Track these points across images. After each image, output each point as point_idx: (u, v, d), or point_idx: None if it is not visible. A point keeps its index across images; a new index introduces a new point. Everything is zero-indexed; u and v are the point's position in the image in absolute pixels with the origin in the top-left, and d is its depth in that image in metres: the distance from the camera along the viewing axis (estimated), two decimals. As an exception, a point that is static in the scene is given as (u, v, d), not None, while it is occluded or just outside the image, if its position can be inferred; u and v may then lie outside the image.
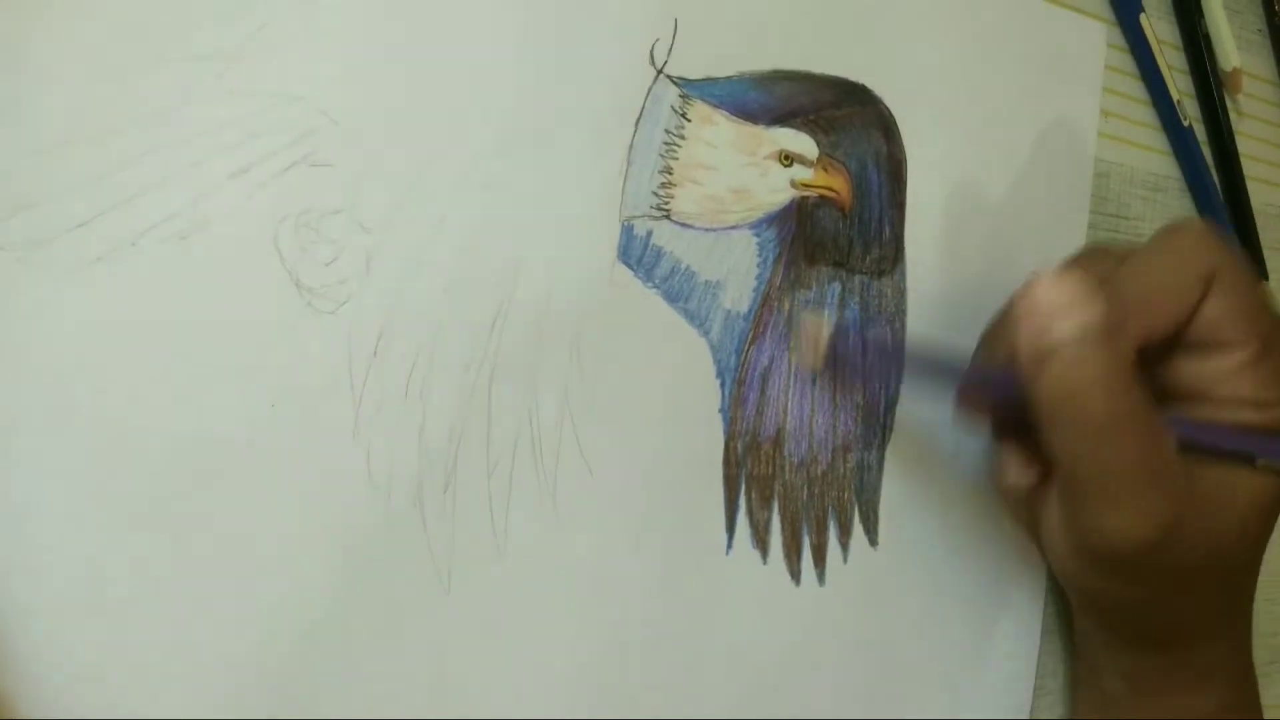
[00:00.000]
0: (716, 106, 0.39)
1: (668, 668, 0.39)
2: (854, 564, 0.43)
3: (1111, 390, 0.35)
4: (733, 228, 0.40)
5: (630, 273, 0.38)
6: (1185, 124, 0.52)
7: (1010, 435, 0.42)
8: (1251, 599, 0.43)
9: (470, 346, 0.36)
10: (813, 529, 0.42)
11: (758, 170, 0.40)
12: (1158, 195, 0.53)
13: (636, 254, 0.38)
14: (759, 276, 0.40)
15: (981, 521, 0.46)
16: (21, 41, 0.30)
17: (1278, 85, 0.58)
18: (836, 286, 0.42)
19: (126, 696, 0.32)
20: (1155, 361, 0.39)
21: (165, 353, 0.32)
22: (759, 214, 0.40)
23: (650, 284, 0.38)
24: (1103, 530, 0.37)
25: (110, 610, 0.31)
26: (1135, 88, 0.52)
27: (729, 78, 0.40)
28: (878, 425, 0.43)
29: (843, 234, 0.42)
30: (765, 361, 0.40)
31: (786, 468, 0.41)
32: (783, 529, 0.41)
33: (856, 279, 0.42)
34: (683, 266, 0.39)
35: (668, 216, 0.39)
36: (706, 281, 0.39)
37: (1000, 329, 0.41)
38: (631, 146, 0.38)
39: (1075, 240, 0.49)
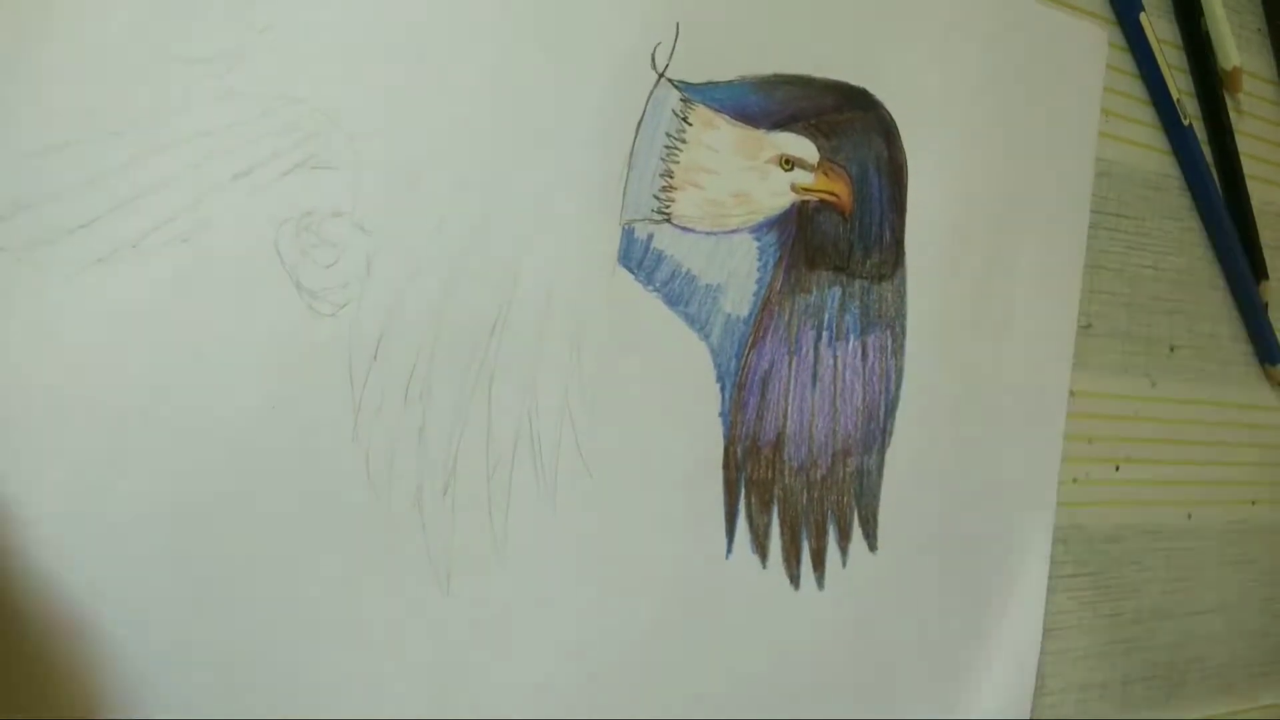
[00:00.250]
0: (718, 110, 0.39)
1: (667, 671, 0.39)
2: (853, 568, 0.43)
3: None
4: (733, 231, 0.40)
5: (631, 276, 0.38)
6: (1185, 123, 0.52)
7: None
8: None
9: (470, 349, 0.36)
10: (812, 533, 0.42)
11: (758, 174, 0.40)
12: (1158, 194, 0.53)
13: (637, 257, 0.38)
14: (759, 280, 0.40)
15: (981, 525, 0.46)
16: (23, 42, 0.30)
17: (1278, 84, 0.58)
18: (837, 291, 0.42)
19: (126, 696, 0.32)
20: None
21: (166, 354, 0.32)
22: (760, 218, 0.40)
23: (651, 287, 0.38)
24: None
25: (110, 610, 0.31)
26: (1135, 87, 0.52)
27: (730, 82, 0.39)
28: (877, 430, 0.43)
29: (843, 238, 0.42)
30: (765, 365, 0.41)
31: (786, 472, 0.41)
32: (782, 533, 0.41)
33: (857, 283, 0.42)
34: (683, 270, 0.39)
35: (668, 220, 0.39)
36: (707, 285, 0.39)
37: None
38: (632, 150, 0.38)
39: (1076, 240, 0.49)
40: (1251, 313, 0.57)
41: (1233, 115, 0.55)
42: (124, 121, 0.31)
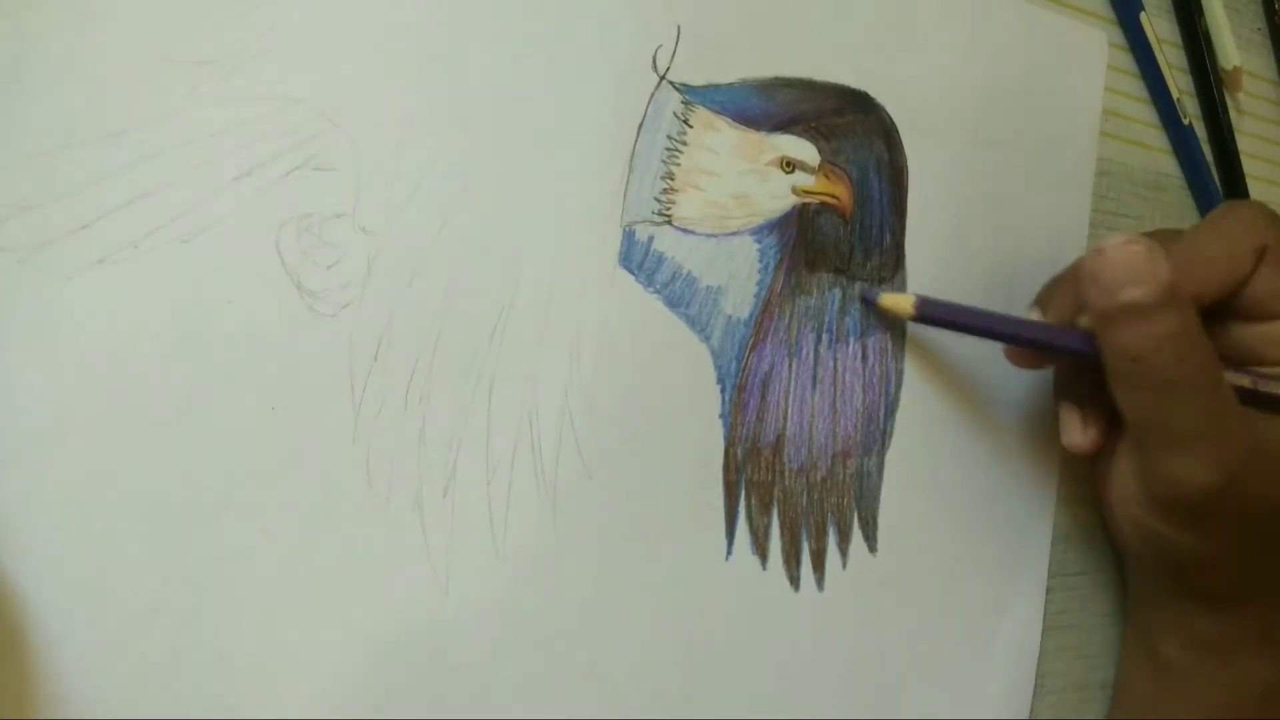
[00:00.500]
0: (719, 113, 0.39)
1: (667, 672, 0.39)
2: (853, 570, 0.43)
3: (1180, 348, 0.37)
4: (734, 234, 0.40)
5: (631, 278, 0.38)
6: (1185, 122, 0.52)
7: (1070, 396, 0.45)
8: None
9: (471, 351, 0.36)
10: (812, 535, 0.42)
11: (759, 176, 0.40)
12: (1158, 194, 0.53)
13: (638, 259, 0.38)
14: (760, 282, 0.40)
15: (980, 526, 0.46)
16: (24, 43, 0.30)
17: (1278, 84, 0.58)
18: (837, 293, 0.42)
19: (126, 697, 0.32)
20: (1213, 330, 0.41)
21: (166, 355, 0.32)
22: (760, 220, 0.40)
23: (651, 289, 0.38)
24: (1171, 478, 0.39)
25: (110, 611, 0.31)
26: (1135, 86, 0.52)
27: (731, 84, 0.39)
28: (877, 431, 0.43)
29: (844, 240, 0.42)
30: (765, 367, 0.41)
31: (786, 474, 0.41)
32: (782, 535, 0.41)
33: (857, 285, 0.42)
34: (684, 272, 0.39)
35: (669, 222, 0.39)
36: (707, 287, 0.39)
37: (1061, 288, 0.44)
38: (633, 152, 0.38)
39: (1076, 241, 0.49)
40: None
41: (1233, 115, 0.55)
42: (125, 122, 0.31)
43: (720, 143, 0.39)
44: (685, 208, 0.39)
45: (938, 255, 0.44)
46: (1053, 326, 0.43)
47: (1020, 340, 0.43)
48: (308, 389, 0.34)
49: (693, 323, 0.39)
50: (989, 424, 0.46)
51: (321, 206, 0.34)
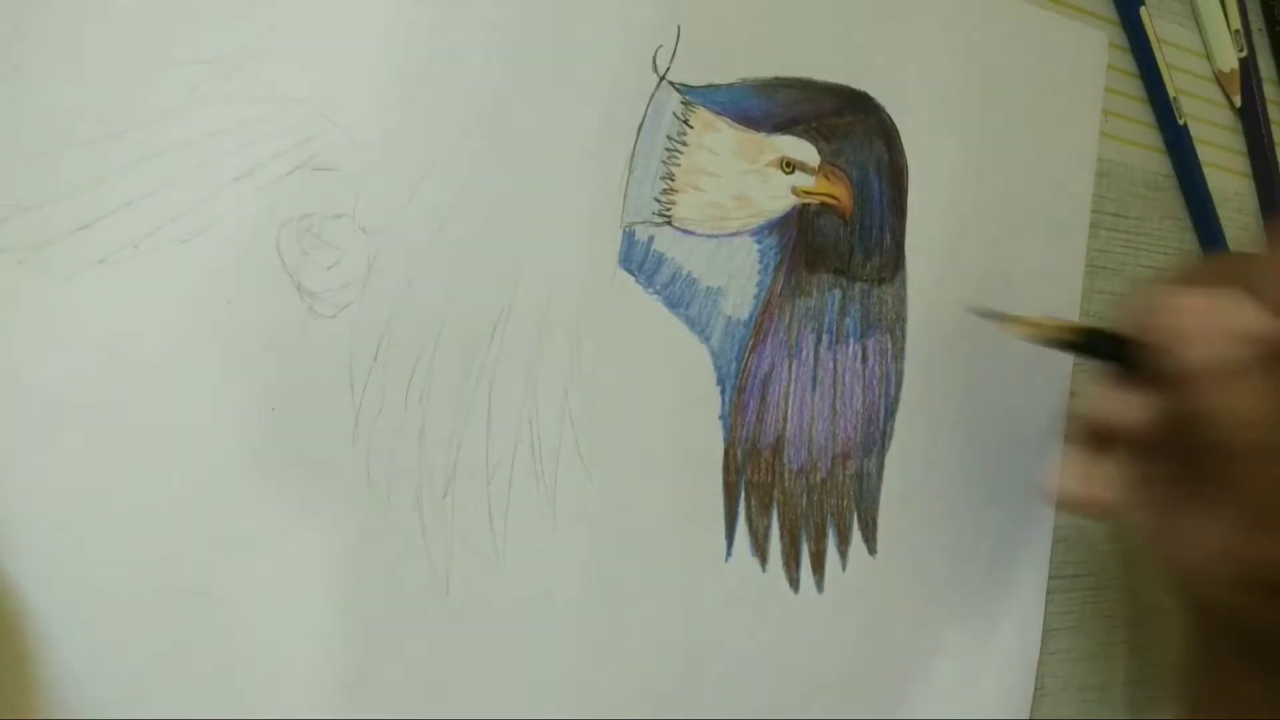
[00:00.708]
0: (719, 113, 0.39)
1: (666, 673, 0.39)
2: (853, 572, 0.43)
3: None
4: (734, 234, 0.40)
5: (631, 279, 0.38)
6: (1180, 122, 0.52)
7: (1086, 445, 0.40)
8: None
9: (471, 351, 0.36)
10: (811, 536, 0.42)
11: (759, 177, 0.40)
12: (1158, 194, 0.53)
13: (638, 260, 0.38)
14: (760, 283, 0.40)
15: (980, 528, 0.46)
16: (25, 43, 0.30)
17: (1278, 84, 0.58)
18: (837, 294, 0.42)
19: (126, 697, 0.32)
20: None
21: (166, 355, 0.32)
22: (760, 220, 0.40)
23: (651, 290, 0.38)
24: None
25: (109, 612, 0.31)
26: (1135, 87, 0.52)
27: (731, 85, 0.39)
28: (877, 433, 0.43)
29: (844, 241, 0.42)
30: (765, 368, 0.41)
31: (786, 475, 0.41)
32: (782, 536, 0.41)
33: (857, 286, 0.42)
34: (684, 273, 0.39)
35: (669, 223, 0.39)
36: (707, 288, 0.39)
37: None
38: (633, 153, 0.38)
39: (1076, 241, 0.49)
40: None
41: (1231, 114, 0.55)
42: (125, 123, 0.31)
43: (720, 143, 0.39)
44: (685, 208, 0.39)
45: (938, 256, 0.44)
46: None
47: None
48: (308, 389, 0.34)
49: (692, 323, 0.39)
50: (989, 426, 0.46)
51: (322, 207, 0.33)
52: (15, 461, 0.30)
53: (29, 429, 0.30)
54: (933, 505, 0.45)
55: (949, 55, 0.44)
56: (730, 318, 0.40)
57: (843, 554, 0.43)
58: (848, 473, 0.42)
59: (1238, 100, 0.55)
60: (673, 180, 0.38)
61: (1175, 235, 0.54)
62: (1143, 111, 0.53)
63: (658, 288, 0.38)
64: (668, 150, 0.38)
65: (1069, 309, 0.49)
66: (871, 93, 0.42)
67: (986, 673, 0.47)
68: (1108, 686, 0.51)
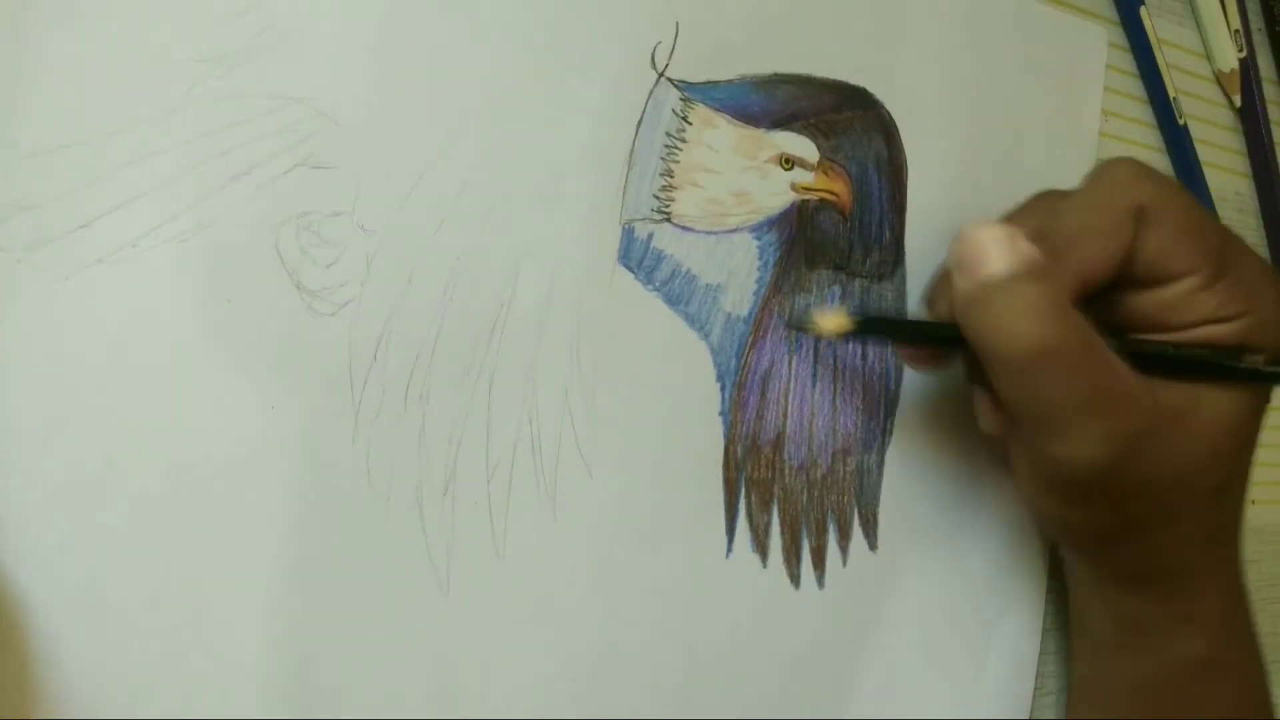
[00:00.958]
0: (718, 110, 0.39)
1: (667, 670, 0.39)
2: (853, 567, 0.43)
3: (1042, 319, 0.35)
4: (733, 231, 0.40)
5: (631, 276, 0.38)
6: (1180, 122, 0.52)
7: (980, 379, 0.41)
8: (1237, 533, 0.42)
9: (470, 349, 0.36)
10: (812, 532, 0.42)
11: (758, 173, 0.40)
12: (1157, 194, 0.53)
13: (637, 257, 0.38)
14: (759, 280, 0.40)
15: (981, 524, 0.46)
16: (23, 42, 0.30)
17: (1278, 84, 0.58)
18: (836, 290, 0.42)
19: (126, 697, 0.32)
20: (1109, 302, 0.39)
21: (165, 354, 0.32)
22: (759, 217, 0.40)
23: (651, 287, 0.38)
24: (1054, 459, 0.37)
25: (110, 612, 0.31)
26: (1135, 87, 0.52)
27: (730, 81, 0.39)
28: (877, 429, 0.43)
29: (843, 237, 0.42)
30: (765, 365, 0.41)
31: (786, 471, 0.41)
32: (782, 532, 0.41)
33: (856, 282, 0.42)
34: (683, 270, 0.39)
35: (668, 219, 0.39)
36: (707, 285, 0.39)
37: (943, 282, 0.41)
38: (632, 149, 0.38)
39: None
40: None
41: (1230, 115, 0.55)
42: (124, 121, 0.31)
43: (719, 140, 0.39)
44: (684, 205, 0.39)
45: (937, 252, 0.44)
46: (930, 322, 0.41)
47: (903, 340, 0.42)
48: (307, 388, 0.34)
49: (692, 320, 0.39)
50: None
51: (320, 205, 0.34)
52: (15, 461, 0.30)
53: (28, 428, 0.30)
54: (933, 501, 0.45)
55: (949, 52, 0.44)
56: (730, 314, 0.40)
57: (843, 550, 0.42)
58: (848, 468, 0.42)
59: (1238, 100, 0.55)
60: (672, 177, 0.38)
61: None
62: (1143, 111, 0.52)
63: (657, 285, 0.38)
64: (666, 147, 0.38)
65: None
66: (871, 89, 0.42)
67: (986, 671, 0.46)
68: (1110, 686, 0.51)
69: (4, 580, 0.30)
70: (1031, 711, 0.48)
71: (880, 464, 0.43)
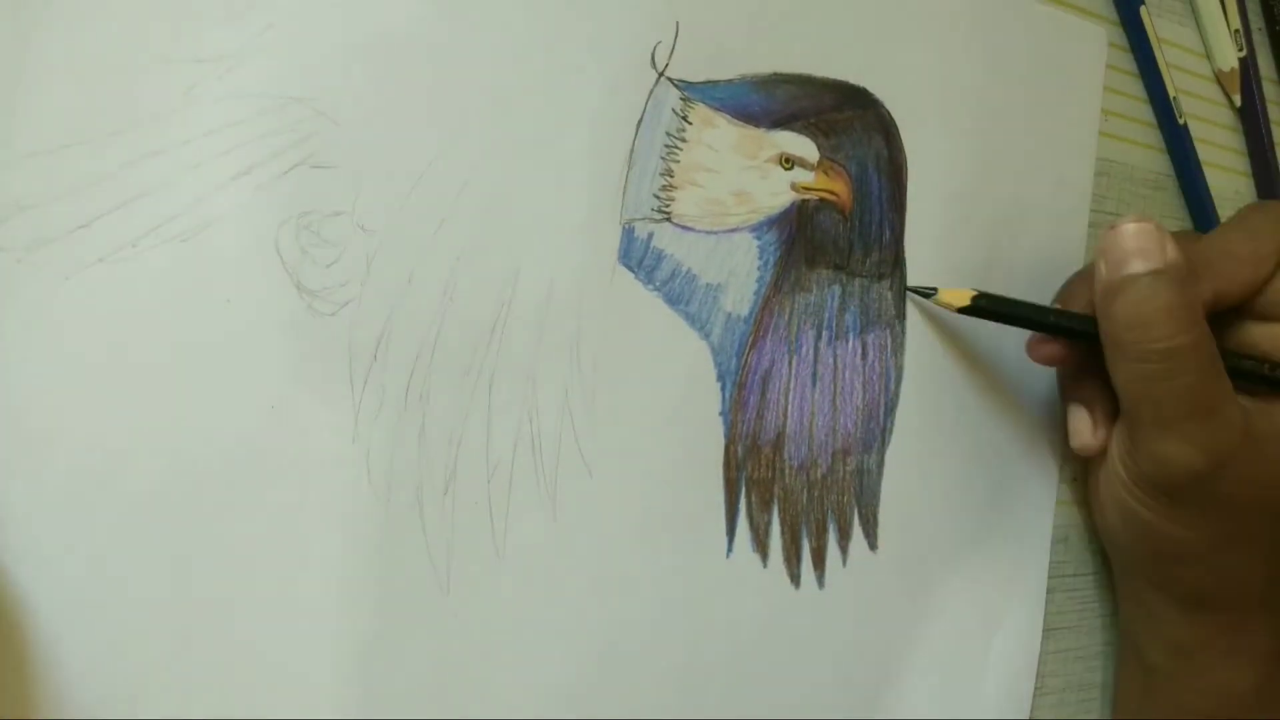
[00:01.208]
0: (718, 109, 0.39)
1: (667, 670, 0.39)
2: (853, 568, 0.43)
3: (1178, 320, 0.38)
4: (733, 230, 0.40)
5: (631, 275, 0.38)
6: (1180, 121, 0.52)
7: (1078, 398, 0.45)
8: None
9: (470, 349, 0.36)
10: (812, 533, 0.42)
11: (758, 173, 0.40)
12: (1157, 194, 0.53)
13: (637, 256, 0.38)
14: (759, 279, 0.40)
15: (981, 524, 0.46)
16: (22, 42, 0.30)
17: (1278, 83, 0.58)
18: (836, 289, 0.42)
19: (126, 697, 0.32)
20: (1228, 329, 0.42)
21: (165, 354, 0.32)
22: (760, 217, 0.40)
23: (651, 287, 0.38)
24: (1158, 456, 0.40)
25: (110, 612, 0.31)
26: (1135, 87, 0.52)
27: (730, 81, 0.39)
28: (878, 429, 0.43)
29: (843, 237, 0.42)
30: (765, 365, 0.41)
31: (786, 471, 0.41)
32: (782, 532, 0.41)
33: (856, 282, 0.42)
34: (683, 269, 0.39)
35: (669, 219, 0.39)
36: (707, 284, 0.39)
37: (1080, 282, 0.44)
38: (632, 149, 0.38)
39: (1076, 240, 0.49)
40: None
41: (1231, 114, 0.56)
42: (124, 121, 0.31)
43: (719, 139, 0.39)
44: (684, 205, 0.39)
45: (937, 252, 0.44)
46: (1070, 312, 0.43)
47: (1044, 327, 0.43)
48: (307, 388, 0.33)
49: (692, 320, 0.39)
50: (989, 422, 0.46)
51: (320, 204, 0.33)
52: (15, 462, 0.30)
53: (28, 428, 0.30)
54: (933, 501, 0.45)
55: (949, 51, 0.44)
56: (730, 314, 0.40)
57: (844, 550, 0.42)
58: (848, 468, 0.42)
59: (1238, 100, 0.55)
60: (672, 176, 0.38)
61: (1175, 235, 0.54)
62: (1143, 111, 0.53)
63: (657, 284, 0.38)
64: (667, 146, 0.38)
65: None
66: (870, 88, 0.42)
67: (986, 672, 0.47)
68: (1107, 687, 0.51)
69: (4, 580, 0.30)
70: (1031, 711, 0.48)
71: (880, 464, 0.43)
